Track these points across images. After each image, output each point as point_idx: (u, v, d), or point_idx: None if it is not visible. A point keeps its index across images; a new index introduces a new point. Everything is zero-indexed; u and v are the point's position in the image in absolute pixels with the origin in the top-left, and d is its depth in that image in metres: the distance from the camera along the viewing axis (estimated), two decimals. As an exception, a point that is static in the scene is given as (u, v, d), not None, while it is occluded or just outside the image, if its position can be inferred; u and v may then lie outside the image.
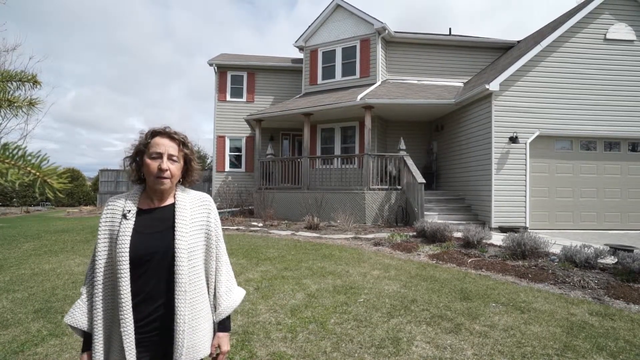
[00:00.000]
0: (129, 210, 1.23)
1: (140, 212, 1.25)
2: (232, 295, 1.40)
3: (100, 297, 1.19)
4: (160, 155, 1.22)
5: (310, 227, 8.52)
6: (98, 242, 1.21)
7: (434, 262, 5.41)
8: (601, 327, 3.09)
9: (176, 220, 1.25)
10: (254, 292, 3.96)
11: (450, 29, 14.06)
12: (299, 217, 9.89)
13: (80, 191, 23.19)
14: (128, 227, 1.20)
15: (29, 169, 0.55)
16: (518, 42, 12.04)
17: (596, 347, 2.73)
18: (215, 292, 1.36)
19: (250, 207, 12.39)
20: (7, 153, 0.54)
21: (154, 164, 1.21)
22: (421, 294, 3.89)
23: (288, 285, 4.20)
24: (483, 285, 4.20)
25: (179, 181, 1.34)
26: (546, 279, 4.44)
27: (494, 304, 3.61)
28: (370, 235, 7.50)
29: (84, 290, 1.24)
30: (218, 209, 12.31)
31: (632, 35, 8.77)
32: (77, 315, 1.21)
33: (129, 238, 1.18)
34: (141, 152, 1.25)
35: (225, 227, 8.95)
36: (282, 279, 4.42)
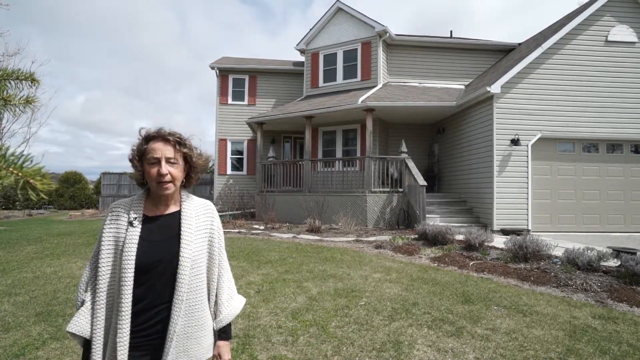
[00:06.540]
0: (135, 218, 1.23)
1: (145, 219, 1.25)
2: (233, 303, 1.40)
3: (102, 305, 1.19)
4: (157, 161, 1.21)
5: (312, 230, 8.51)
6: (102, 249, 1.20)
7: (436, 264, 5.39)
8: (604, 330, 3.07)
9: (182, 229, 1.26)
10: (255, 295, 3.95)
11: (451, 31, 14.06)
12: (301, 220, 9.89)
13: (83, 194, 23.18)
14: (135, 234, 1.20)
15: (10, 169, 0.54)
16: (519, 44, 12.04)
17: (599, 350, 2.71)
18: (216, 300, 1.36)
19: (251, 210, 12.41)
20: None
21: (153, 170, 1.21)
22: (423, 297, 3.87)
23: (289, 288, 4.19)
24: (485, 288, 4.18)
25: (184, 185, 1.33)
26: (548, 281, 4.41)
27: (496, 307, 3.59)
28: (372, 238, 7.48)
29: (87, 297, 1.21)
30: (219, 211, 12.31)
31: (633, 37, 8.76)
32: (83, 323, 1.18)
33: (136, 246, 1.19)
34: (140, 159, 1.25)
35: (226, 230, 8.95)
36: (283, 282, 4.42)
